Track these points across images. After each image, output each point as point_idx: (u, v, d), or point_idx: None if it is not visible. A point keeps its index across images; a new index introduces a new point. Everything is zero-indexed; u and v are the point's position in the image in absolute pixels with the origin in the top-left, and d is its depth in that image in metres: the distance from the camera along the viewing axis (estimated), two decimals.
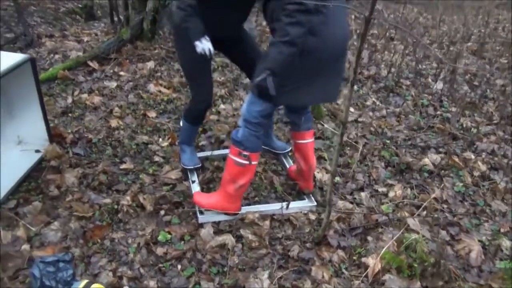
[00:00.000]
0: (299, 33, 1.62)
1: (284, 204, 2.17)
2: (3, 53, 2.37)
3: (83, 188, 2.35)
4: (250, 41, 2.47)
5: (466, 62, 4.87)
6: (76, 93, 3.39)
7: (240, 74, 4.24)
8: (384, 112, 3.47)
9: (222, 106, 3.49)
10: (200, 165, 2.54)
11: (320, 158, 2.79)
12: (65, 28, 5.17)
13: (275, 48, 1.70)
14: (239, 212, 2.15)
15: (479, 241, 2.12)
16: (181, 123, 2.62)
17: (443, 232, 2.18)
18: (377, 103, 3.65)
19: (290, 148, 2.65)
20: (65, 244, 1.97)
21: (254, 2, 2.21)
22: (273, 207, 2.22)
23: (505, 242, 2.10)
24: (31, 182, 2.36)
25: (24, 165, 2.43)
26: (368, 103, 3.61)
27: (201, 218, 2.12)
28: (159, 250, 1.96)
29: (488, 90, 4.03)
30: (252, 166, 2.04)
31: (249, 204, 2.28)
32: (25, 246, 1.92)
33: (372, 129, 3.15)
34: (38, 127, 2.57)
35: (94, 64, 3.82)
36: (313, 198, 2.32)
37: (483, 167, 2.74)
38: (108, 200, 2.23)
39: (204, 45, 2.03)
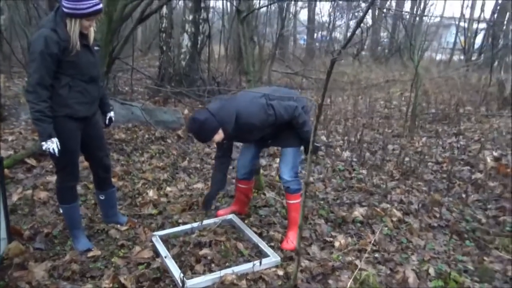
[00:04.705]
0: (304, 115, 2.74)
1: (257, 262, 2.47)
2: None
3: (55, 280, 2.36)
4: (102, 133, 2.82)
5: (361, 134, 5.87)
6: (19, 190, 3.36)
7: (177, 158, 4.57)
8: (311, 179, 4.06)
9: (168, 188, 3.74)
10: (92, 247, 2.69)
11: (269, 224, 3.18)
12: None
13: (307, 133, 2.71)
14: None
15: (411, 270, 2.63)
16: (60, 211, 2.75)
17: (384, 267, 2.65)
18: (304, 172, 4.24)
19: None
20: None
21: (98, 72, 2.61)
22: (246, 266, 2.49)
23: (430, 267, 2.65)
24: None
25: None
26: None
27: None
28: None
29: (384, 154, 4.94)
30: None
31: (222, 268, 2.51)
32: None
33: (306, 194, 3.66)
34: None
35: (31, 161, 3.83)
36: (276, 254, 2.65)
37: (398, 213, 3.38)
38: (89, 286, 2.29)
39: (48, 145, 2.32)
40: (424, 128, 6.35)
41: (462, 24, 17.02)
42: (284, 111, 2.64)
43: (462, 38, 16.35)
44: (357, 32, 17.88)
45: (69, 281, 2.36)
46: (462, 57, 17.28)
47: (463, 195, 3.78)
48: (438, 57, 20.64)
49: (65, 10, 2.29)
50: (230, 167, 4.22)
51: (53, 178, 3.65)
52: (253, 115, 2.59)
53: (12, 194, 3.27)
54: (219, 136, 2.59)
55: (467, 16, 16.97)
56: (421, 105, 7.30)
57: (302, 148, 2.89)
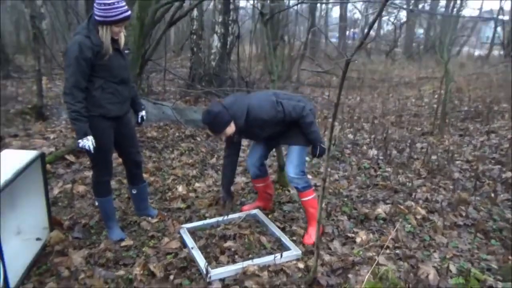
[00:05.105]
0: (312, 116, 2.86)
1: (278, 254, 2.58)
2: (12, 150, 2.66)
3: (92, 266, 2.56)
4: (134, 131, 2.98)
5: (389, 131, 5.84)
6: (59, 184, 3.62)
7: (206, 156, 4.74)
8: (336, 176, 4.11)
9: (197, 184, 3.91)
10: (125, 237, 2.87)
11: (293, 219, 3.27)
12: (28, 127, 5.38)
13: (314, 133, 2.83)
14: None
15: (432, 266, 2.65)
16: (96, 204, 2.92)
17: (405, 264, 2.68)
18: (328, 169, 4.29)
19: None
20: None
21: (129, 74, 2.77)
22: (268, 259, 2.60)
23: (451, 265, 2.65)
24: (41, 266, 2.53)
25: (28, 253, 2.59)
26: (322, 170, 4.25)
27: (210, 277, 2.42)
28: None
29: (412, 152, 4.91)
30: None
31: (245, 260, 2.63)
32: None
33: (330, 190, 3.74)
34: (39, 216, 2.79)
35: (71, 158, 4.10)
36: (297, 248, 2.74)
37: (423, 211, 3.38)
38: (121, 272, 2.47)
39: (84, 143, 2.49)
40: (455, 126, 6.22)
41: (501, 17, 16.36)
42: (293, 109, 2.75)
43: (502, 32, 15.71)
44: (390, 29, 17.57)
45: (104, 268, 2.55)
46: (501, 52, 16.62)
47: (492, 194, 3.71)
48: (477, 52, 19.92)
49: (96, 18, 2.48)
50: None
51: (90, 173, 3.90)
52: (263, 110, 2.73)
53: (53, 188, 3.53)
54: (231, 129, 2.74)
55: (506, 8, 16.28)
56: (453, 103, 7.15)
57: (309, 150, 2.97)
